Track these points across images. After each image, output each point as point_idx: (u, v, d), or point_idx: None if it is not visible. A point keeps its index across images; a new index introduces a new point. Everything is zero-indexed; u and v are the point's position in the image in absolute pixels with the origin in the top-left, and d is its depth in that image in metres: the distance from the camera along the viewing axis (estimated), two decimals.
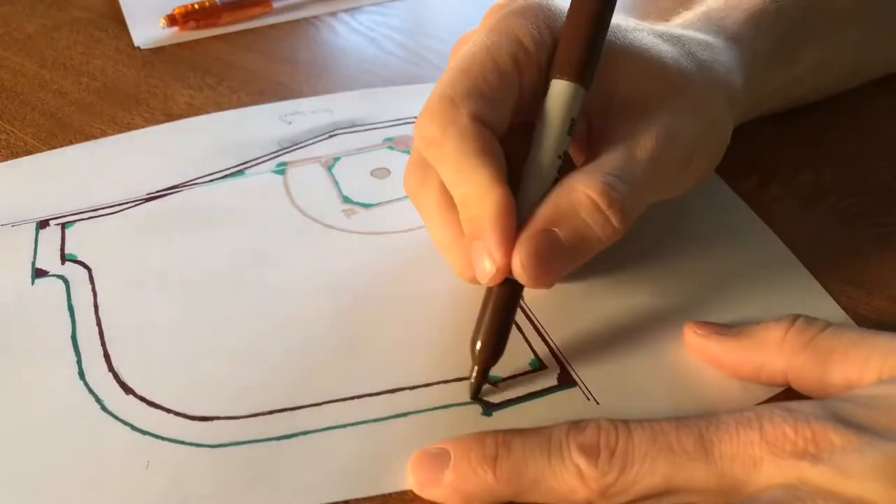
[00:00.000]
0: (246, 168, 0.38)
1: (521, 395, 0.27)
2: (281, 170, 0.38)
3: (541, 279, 0.25)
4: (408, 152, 0.38)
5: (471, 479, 0.23)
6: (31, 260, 0.33)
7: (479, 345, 0.26)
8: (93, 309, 0.30)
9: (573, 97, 0.27)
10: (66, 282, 0.32)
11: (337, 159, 0.39)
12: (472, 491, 0.23)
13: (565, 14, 0.28)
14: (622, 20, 0.30)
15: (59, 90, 0.46)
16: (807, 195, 0.36)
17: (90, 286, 0.31)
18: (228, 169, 0.38)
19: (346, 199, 0.36)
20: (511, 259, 0.25)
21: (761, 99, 0.36)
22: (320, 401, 0.27)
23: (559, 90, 0.27)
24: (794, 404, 0.22)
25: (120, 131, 0.42)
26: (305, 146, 0.40)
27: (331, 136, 0.40)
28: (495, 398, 0.27)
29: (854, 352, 0.24)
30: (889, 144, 0.39)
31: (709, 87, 0.30)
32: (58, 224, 0.35)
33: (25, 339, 0.29)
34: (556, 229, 0.25)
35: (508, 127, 0.28)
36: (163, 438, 0.25)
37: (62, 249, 0.33)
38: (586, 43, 0.27)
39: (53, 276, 0.32)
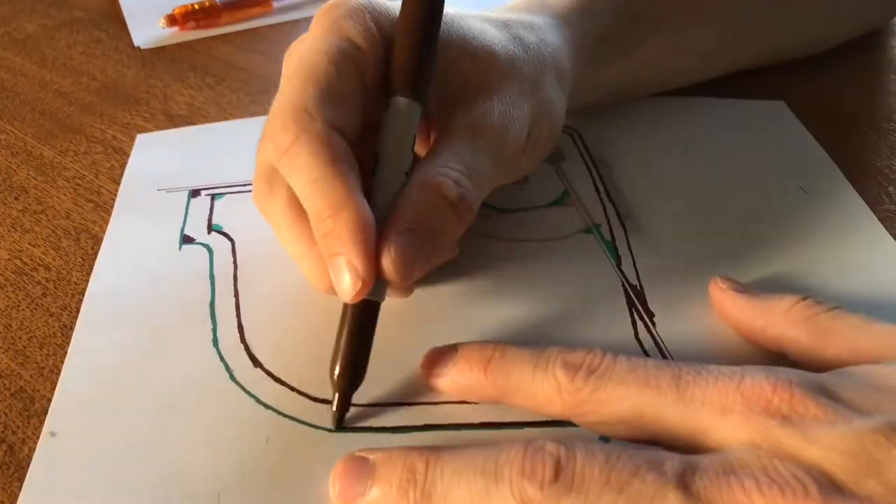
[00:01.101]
0: None
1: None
2: None
3: (409, 279, 0.26)
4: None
5: (467, 376, 0.26)
6: (181, 226, 0.35)
7: (337, 369, 0.26)
8: (232, 280, 0.32)
9: (412, 115, 0.28)
10: (210, 251, 0.33)
11: None
12: (467, 385, 0.26)
13: (392, 11, 0.29)
14: (450, 8, 0.30)
15: (59, 90, 0.46)
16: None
17: (232, 258, 0.33)
18: None
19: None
20: (373, 271, 0.25)
21: (597, 84, 0.37)
22: (441, 400, 0.27)
23: (399, 109, 0.27)
24: (781, 369, 0.22)
25: (120, 131, 0.42)
26: None
27: None
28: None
29: (850, 334, 0.25)
30: (889, 144, 0.39)
31: (537, 70, 0.31)
32: (208, 195, 0.36)
33: (168, 301, 0.31)
34: (415, 229, 0.26)
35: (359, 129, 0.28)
36: (284, 415, 0.26)
37: (209, 219, 0.35)
38: (420, 60, 0.28)
39: (199, 244, 0.34)
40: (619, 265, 0.32)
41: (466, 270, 0.31)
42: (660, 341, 0.29)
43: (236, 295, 0.31)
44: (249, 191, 0.31)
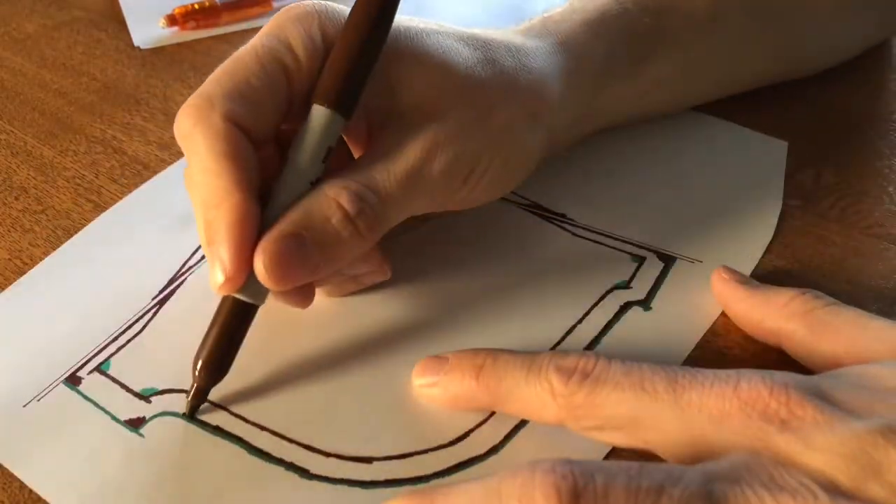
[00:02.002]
0: None
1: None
2: None
3: (283, 282, 0.25)
4: None
5: (459, 384, 0.26)
6: None
7: (199, 363, 0.26)
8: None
9: (330, 125, 0.27)
10: None
11: None
12: (458, 393, 0.26)
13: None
14: (423, 23, 0.29)
15: (59, 90, 0.46)
16: (807, 195, 0.36)
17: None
18: None
19: None
20: (243, 268, 0.24)
21: (602, 108, 0.34)
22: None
23: (318, 117, 0.27)
24: (777, 372, 0.22)
25: (120, 131, 0.42)
26: None
27: None
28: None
29: (846, 331, 0.25)
30: (889, 144, 0.39)
31: (501, 97, 0.29)
32: None
33: None
34: (304, 233, 0.25)
35: (283, 136, 0.28)
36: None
37: None
38: (349, 71, 0.27)
39: None
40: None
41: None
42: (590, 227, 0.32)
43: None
44: None
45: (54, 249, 0.34)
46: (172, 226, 0.35)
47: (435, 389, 0.26)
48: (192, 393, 0.27)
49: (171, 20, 0.51)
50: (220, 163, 0.25)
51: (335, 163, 0.27)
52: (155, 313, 0.31)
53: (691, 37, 0.35)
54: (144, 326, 0.31)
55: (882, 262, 0.32)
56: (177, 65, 0.48)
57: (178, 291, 0.32)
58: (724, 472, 0.20)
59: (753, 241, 0.33)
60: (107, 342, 0.30)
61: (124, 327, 0.31)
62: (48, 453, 0.26)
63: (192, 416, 0.27)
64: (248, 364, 0.28)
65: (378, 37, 0.27)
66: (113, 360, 0.29)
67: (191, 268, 0.33)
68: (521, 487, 0.19)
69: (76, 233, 0.35)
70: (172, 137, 0.41)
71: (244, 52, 0.27)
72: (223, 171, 0.25)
